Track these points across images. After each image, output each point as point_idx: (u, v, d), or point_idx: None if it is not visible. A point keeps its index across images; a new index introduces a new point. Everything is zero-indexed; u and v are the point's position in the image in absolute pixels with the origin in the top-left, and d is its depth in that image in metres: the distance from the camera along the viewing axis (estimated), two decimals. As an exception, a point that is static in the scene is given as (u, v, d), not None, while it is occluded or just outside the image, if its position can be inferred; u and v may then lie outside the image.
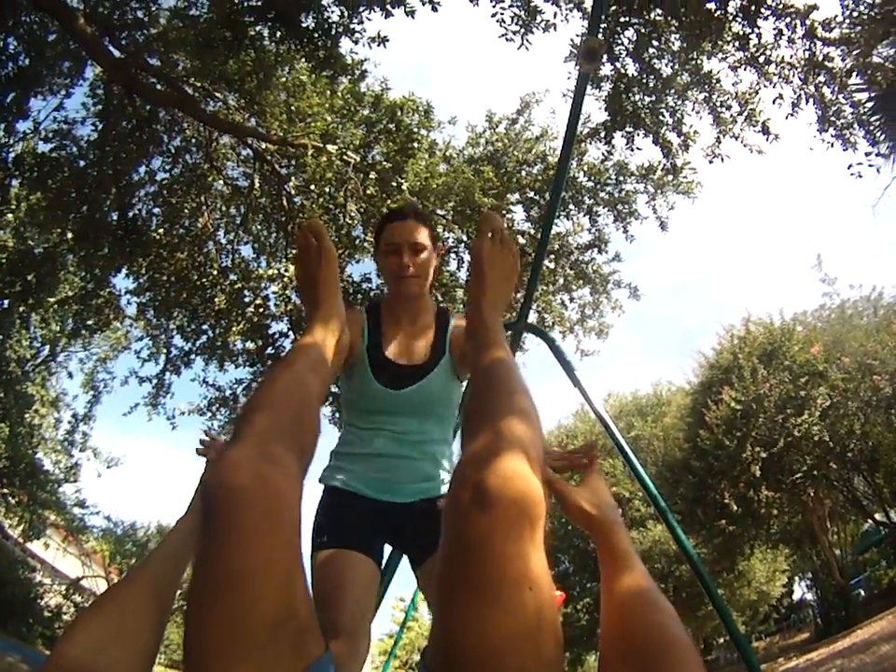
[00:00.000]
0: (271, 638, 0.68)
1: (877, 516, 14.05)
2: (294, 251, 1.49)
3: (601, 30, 5.47)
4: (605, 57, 5.42)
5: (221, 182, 7.03)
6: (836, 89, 5.89)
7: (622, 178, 6.24)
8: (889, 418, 10.78)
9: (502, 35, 5.14)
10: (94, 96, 7.44)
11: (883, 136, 8.35)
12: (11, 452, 13.38)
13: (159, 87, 6.88)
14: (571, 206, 6.35)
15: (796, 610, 21.93)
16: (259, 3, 6.00)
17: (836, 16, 5.61)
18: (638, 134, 5.57)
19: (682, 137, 5.71)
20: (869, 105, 7.91)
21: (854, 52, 6.23)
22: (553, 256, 6.43)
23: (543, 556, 0.74)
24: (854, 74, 6.17)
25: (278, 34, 5.85)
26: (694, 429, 11.92)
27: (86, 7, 6.61)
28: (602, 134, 5.59)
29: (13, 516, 13.66)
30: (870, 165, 5.91)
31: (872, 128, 6.41)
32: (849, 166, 5.86)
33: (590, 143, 5.95)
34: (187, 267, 6.78)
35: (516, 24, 5.14)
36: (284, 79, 6.24)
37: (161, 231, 7.00)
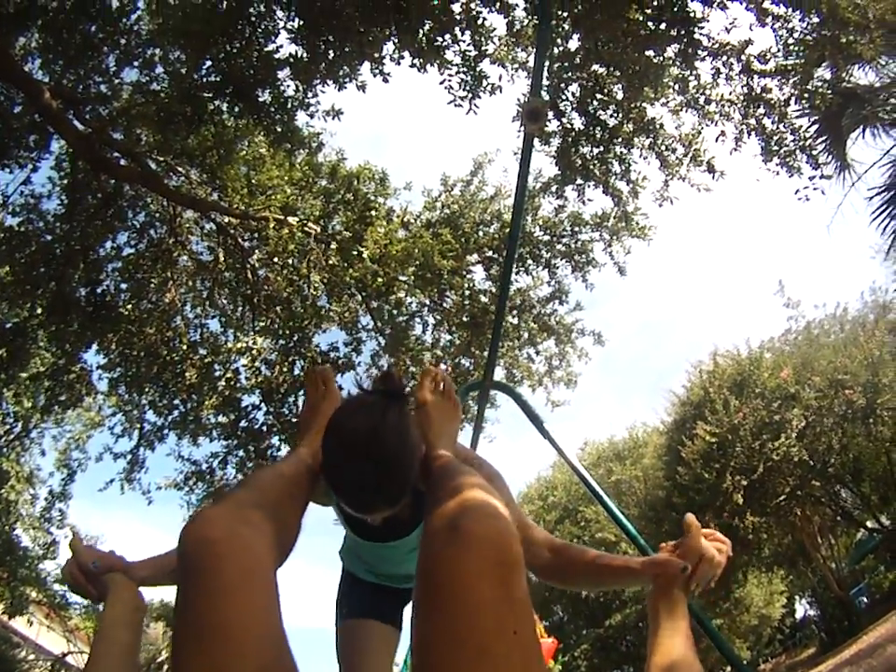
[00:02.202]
0: None
1: (869, 524, 14.13)
2: (306, 387, 1.53)
3: (544, 88, 5.75)
4: (550, 114, 5.65)
5: (186, 257, 7.10)
6: (777, 118, 6.06)
7: (577, 229, 6.42)
8: (868, 427, 10.93)
9: (451, 102, 5.36)
10: (60, 170, 7.54)
11: (829, 157, 8.71)
12: (-11, 528, 13.05)
13: (123, 162, 7.00)
14: (529, 261, 6.50)
15: (800, 628, 21.75)
16: (217, 78, 6.19)
17: (770, 47, 5.80)
18: (589, 186, 5.76)
19: (631, 185, 5.91)
20: (813, 129, 8.25)
21: (791, 80, 6.52)
22: (515, 311, 6.55)
23: (527, 599, 0.75)
24: (793, 101, 6.41)
25: (236, 108, 6.02)
26: (672, 467, 11.97)
27: (51, 80, 6.76)
28: (554, 188, 5.77)
29: None
30: (815, 188, 6.02)
31: (814, 153, 6.62)
32: (796, 192, 6.01)
33: (543, 197, 6.13)
34: (156, 342, 6.79)
35: (463, 90, 5.36)
36: (244, 153, 6.38)
37: (129, 306, 7.02)
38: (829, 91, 7.78)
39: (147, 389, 7.32)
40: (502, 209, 6.61)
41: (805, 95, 6.67)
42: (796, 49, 6.14)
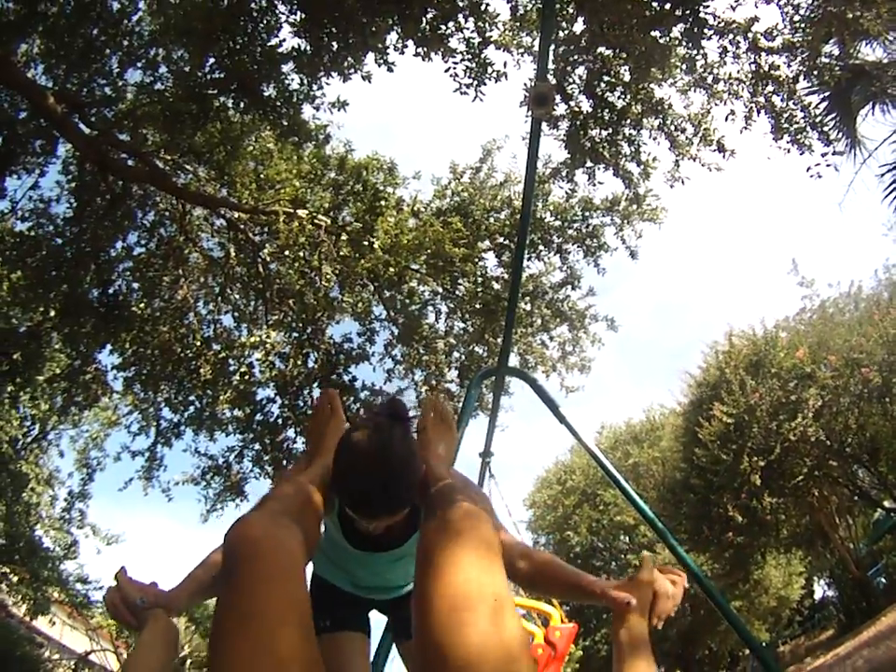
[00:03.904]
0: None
1: (886, 504, 14.02)
2: (314, 409, 1.75)
3: (551, 72, 5.70)
4: (557, 98, 5.59)
5: (197, 254, 7.12)
6: (786, 96, 5.97)
7: (587, 214, 6.38)
8: (884, 407, 10.82)
9: (456, 90, 5.32)
10: (68, 173, 7.57)
11: (840, 134, 8.57)
12: (10, 530, 13.26)
13: (130, 162, 7.02)
14: (541, 247, 6.47)
15: (819, 610, 21.67)
16: (221, 75, 6.18)
17: (777, 24, 5.72)
18: (599, 169, 5.71)
19: (641, 166, 5.85)
20: (822, 105, 8.12)
21: (799, 57, 6.41)
22: (527, 298, 6.53)
23: (504, 579, 0.97)
24: (802, 78, 6.30)
25: (242, 104, 6.02)
26: (690, 449, 11.87)
27: (55, 85, 6.77)
28: (564, 173, 5.73)
29: (16, 594, 13.49)
30: (827, 165, 5.91)
31: (825, 129, 6.50)
32: (808, 168, 5.91)
33: (553, 183, 6.09)
34: (170, 340, 6.82)
35: (469, 77, 5.32)
36: (251, 148, 6.38)
37: (141, 305, 7.06)
38: (837, 67, 7.66)
39: (162, 387, 7.38)
40: (512, 195, 6.57)
41: (814, 72, 6.57)
42: (803, 25, 6.04)
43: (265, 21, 6.08)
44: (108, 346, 7.61)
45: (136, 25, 6.95)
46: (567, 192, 6.13)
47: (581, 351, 6.93)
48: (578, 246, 6.49)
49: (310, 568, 1.87)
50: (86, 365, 7.96)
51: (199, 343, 6.77)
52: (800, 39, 6.17)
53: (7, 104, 6.88)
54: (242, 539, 0.93)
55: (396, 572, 1.75)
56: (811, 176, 6.02)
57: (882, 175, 8.82)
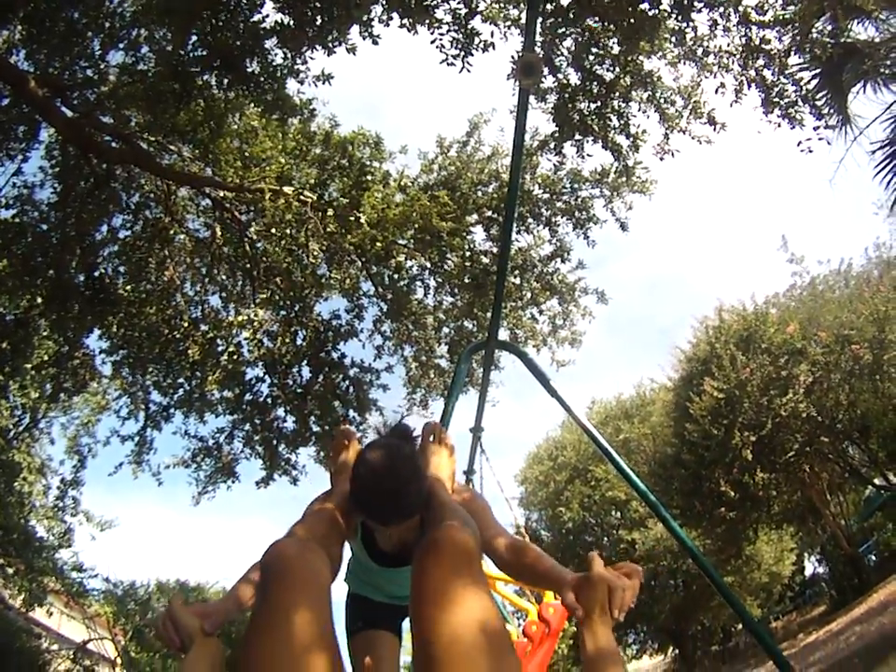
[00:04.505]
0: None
1: (877, 481, 14.18)
2: (333, 444, 2.04)
3: (538, 44, 5.62)
4: (545, 70, 5.52)
5: (183, 234, 7.04)
6: (777, 69, 5.91)
7: (576, 186, 6.32)
8: (875, 384, 10.90)
9: (443, 61, 5.24)
10: (51, 158, 7.44)
11: (831, 111, 8.52)
12: (3, 521, 13.22)
13: (113, 144, 6.90)
14: (530, 220, 6.41)
15: (810, 586, 22.01)
16: (204, 52, 6.07)
17: None
18: (587, 141, 5.65)
19: (631, 139, 5.80)
20: (813, 83, 8.06)
21: (791, 32, 6.35)
22: (517, 271, 6.49)
23: (487, 590, 1.15)
24: (793, 52, 6.24)
25: (225, 81, 5.90)
26: (681, 424, 11.95)
27: (36, 69, 6.64)
28: (552, 146, 5.67)
29: (12, 586, 13.50)
30: (819, 139, 5.89)
31: (817, 103, 6.45)
32: (799, 143, 5.87)
33: (541, 155, 6.02)
34: (157, 322, 6.76)
35: (455, 48, 5.24)
36: (235, 126, 6.28)
37: (128, 288, 6.99)
38: (829, 44, 7.60)
39: (150, 369, 7.32)
40: (500, 168, 6.49)
41: (806, 46, 6.51)
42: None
43: (247, -2, 5.97)
44: (96, 331, 7.55)
45: (118, 7, 6.80)
46: (555, 165, 6.08)
47: (572, 325, 6.89)
48: (567, 219, 6.42)
49: (345, 588, 2.21)
50: (74, 350, 7.89)
51: (186, 325, 6.71)
52: (792, 14, 6.11)
53: None
54: (276, 558, 1.12)
55: None
56: (802, 151, 5.99)
57: (873, 152, 8.76)
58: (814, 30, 6.96)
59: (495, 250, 6.30)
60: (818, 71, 7.86)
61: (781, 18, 6.00)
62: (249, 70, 5.73)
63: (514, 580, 1.95)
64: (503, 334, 6.31)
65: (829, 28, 7.54)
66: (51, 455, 14.79)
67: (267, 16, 5.90)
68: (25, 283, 7.34)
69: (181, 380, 7.03)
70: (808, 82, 7.08)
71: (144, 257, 6.87)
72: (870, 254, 12.74)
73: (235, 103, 5.81)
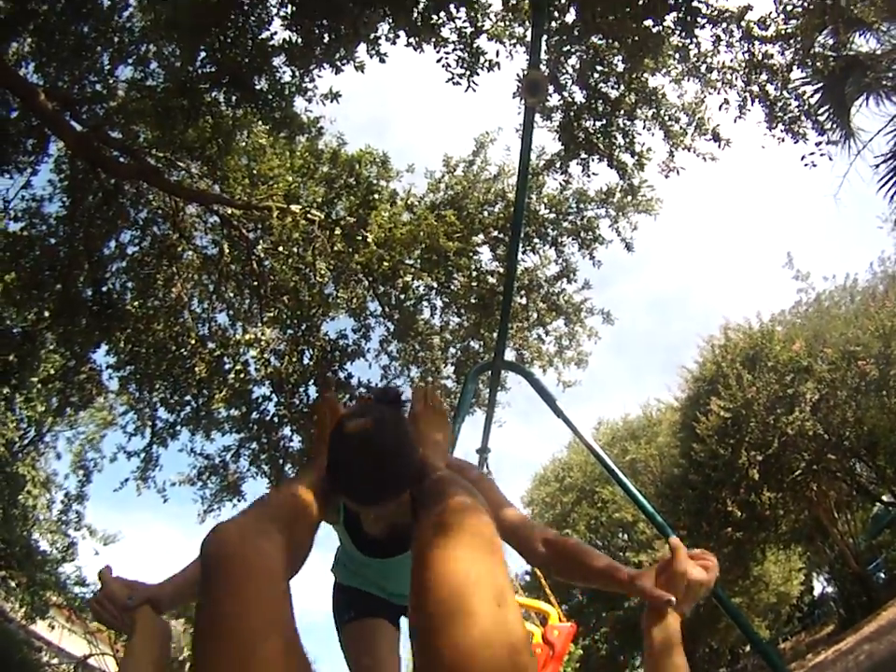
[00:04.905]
0: None
1: (885, 498, 14.02)
2: (315, 417, 1.81)
3: (543, 62, 5.66)
4: (550, 88, 5.56)
5: (191, 251, 7.08)
6: (780, 85, 5.97)
7: (582, 206, 6.35)
8: (882, 400, 10.82)
9: (449, 80, 5.29)
10: (60, 172, 7.50)
11: (834, 126, 8.52)
12: (6, 534, 13.22)
13: (122, 159, 6.97)
14: (536, 240, 6.44)
15: (819, 606, 21.67)
16: (213, 69, 6.14)
17: (770, 13, 5.71)
18: (593, 160, 5.68)
19: (636, 157, 5.82)
20: (816, 97, 8.08)
21: (793, 46, 6.37)
22: (523, 292, 6.51)
23: (504, 571, 0.89)
24: (796, 67, 6.25)
25: (233, 98, 5.98)
26: (688, 444, 11.91)
27: (46, 83, 6.72)
28: (558, 164, 5.70)
29: (14, 599, 13.47)
30: (822, 154, 5.93)
31: (819, 118, 6.46)
32: (802, 158, 5.91)
33: (547, 175, 6.06)
34: (165, 338, 6.78)
35: (461, 67, 5.30)
36: (243, 143, 6.34)
37: (136, 303, 7.01)
38: (831, 57, 7.62)
39: (157, 386, 7.32)
40: (506, 188, 6.53)
41: (808, 61, 6.53)
42: (796, 13, 6.00)
43: (256, 15, 6.05)
44: (103, 346, 7.56)
45: (127, 21, 6.88)
46: (561, 184, 6.12)
47: (578, 345, 6.90)
48: (573, 239, 6.44)
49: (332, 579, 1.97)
50: (81, 365, 7.91)
51: (194, 342, 6.72)
52: (794, 28, 6.14)
53: None
54: (216, 546, 0.89)
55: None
56: (806, 165, 6.02)
57: (877, 165, 8.75)
58: (816, 44, 7.00)
59: (501, 270, 6.31)
60: (820, 85, 7.88)
61: (783, 32, 6.03)
62: (258, 87, 5.81)
63: (554, 576, 1.55)
64: (509, 354, 6.32)
65: (830, 41, 7.58)
66: (56, 469, 14.83)
67: (275, 33, 5.99)
68: (33, 296, 7.38)
69: (188, 397, 7.03)
70: (811, 96, 7.12)
71: (152, 273, 6.91)
72: (875, 269, 12.72)
73: (243, 120, 5.87)
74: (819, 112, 8.19)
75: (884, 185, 8.83)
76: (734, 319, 12.49)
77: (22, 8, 6.22)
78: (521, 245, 5.08)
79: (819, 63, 6.80)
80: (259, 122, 5.69)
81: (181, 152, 6.44)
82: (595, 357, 6.87)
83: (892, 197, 8.87)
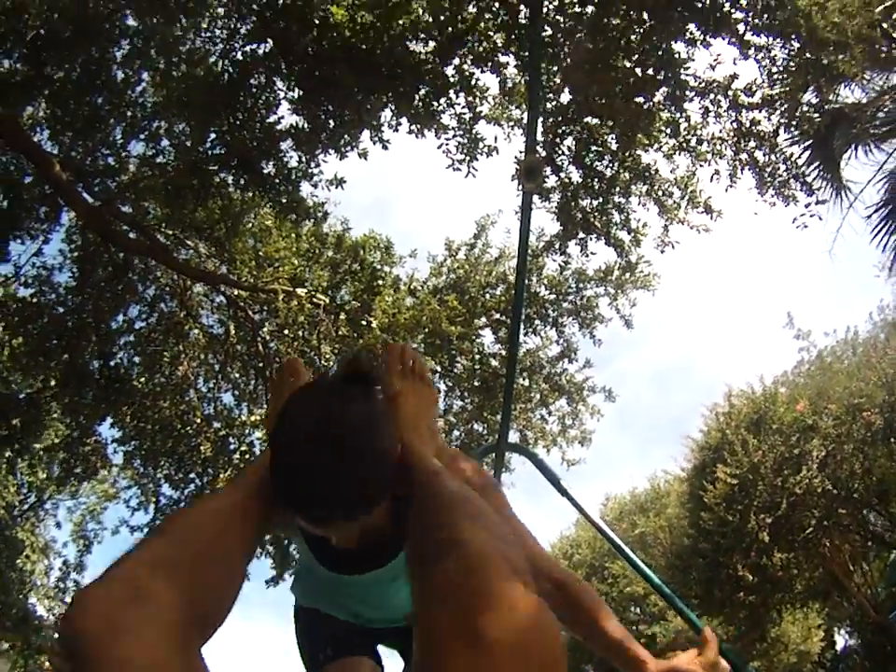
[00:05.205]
0: None
1: (901, 543, 13.71)
2: (271, 388, 1.32)
3: (540, 144, 5.86)
4: (547, 170, 5.74)
5: (197, 330, 7.18)
6: (768, 150, 6.07)
7: (581, 285, 6.49)
8: (889, 448, 10.75)
9: (449, 166, 5.48)
10: (71, 242, 7.63)
11: (824, 182, 8.67)
12: (3, 596, 13.03)
13: (132, 234, 7.12)
14: (537, 321, 6.55)
15: (843, 660, 20.93)
16: (222, 151, 6.36)
17: (756, 79, 5.84)
18: (591, 239, 5.82)
19: (632, 234, 5.96)
20: (805, 155, 8.24)
21: (779, 109, 6.55)
22: (525, 373, 6.58)
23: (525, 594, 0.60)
24: (783, 130, 6.38)
25: (242, 181, 6.18)
26: (696, 513, 11.83)
27: (60, 152, 6.88)
28: (557, 246, 5.84)
29: (7, 660, 13.21)
30: (811, 215, 6.02)
31: (807, 179, 6.52)
32: (794, 220, 6.01)
33: (547, 256, 6.20)
34: (170, 416, 6.81)
35: (461, 153, 5.49)
36: (250, 225, 6.51)
37: (142, 379, 7.07)
38: (816, 115, 7.83)
39: (162, 462, 7.31)
40: (507, 270, 6.70)
41: (794, 122, 6.72)
42: (780, 77, 6.20)
43: (264, 98, 6.31)
44: (108, 419, 7.58)
45: (140, 96, 6.99)
46: (560, 265, 6.26)
47: (581, 423, 6.96)
48: (573, 319, 6.57)
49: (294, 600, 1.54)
50: (85, 436, 7.91)
51: (199, 421, 6.75)
52: (779, 91, 6.35)
53: (13, 166, 6.85)
54: (74, 633, 0.62)
55: (393, 598, 1.27)
56: (797, 227, 6.09)
57: (869, 216, 8.81)
58: (801, 103, 7.19)
59: (503, 353, 6.39)
60: (808, 143, 8.07)
61: (769, 97, 6.22)
62: (265, 171, 6.01)
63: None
64: (513, 436, 6.32)
65: (815, 99, 7.79)
66: (56, 536, 14.68)
67: (282, 117, 6.24)
68: (39, 363, 7.43)
69: (192, 475, 7.01)
70: (799, 157, 7.28)
71: (159, 350, 6.99)
72: (875, 318, 12.76)
73: (251, 202, 6.04)
74: (810, 170, 8.37)
75: (877, 234, 8.93)
76: (737, 385, 12.51)
77: (39, 73, 6.36)
78: (522, 326, 5.15)
79: (805, 125, 7.00)
80: (267, 205, 5.85)
81: (190, 231, 6.61)
82: (599, 433, 6.95)
83: (885, 245, 8.98)
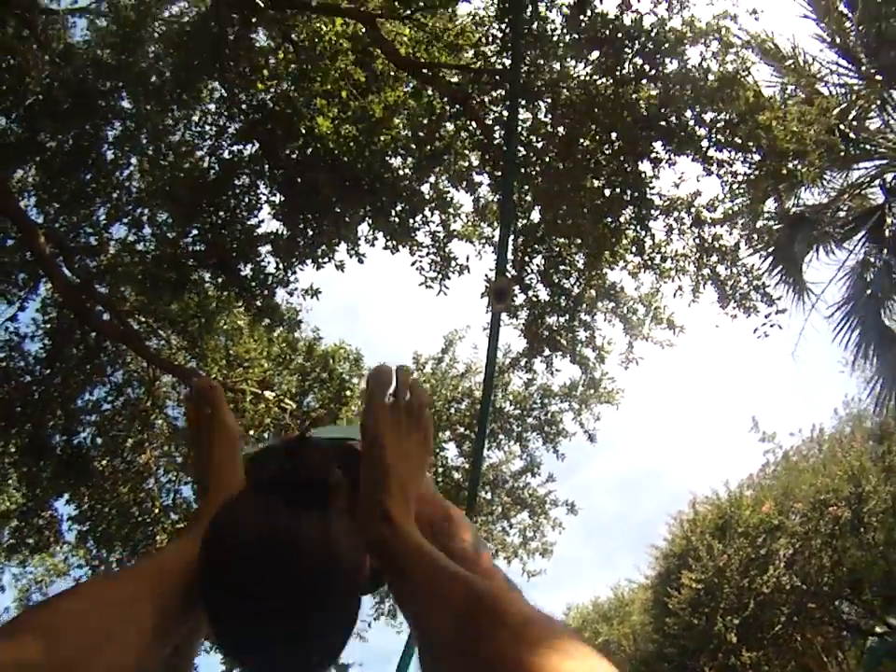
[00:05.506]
0: None
1: (878, 629, 13.54)
2: (186, 421, 1.03)
3: (510, 263, 6.06)
4: (516, 289, 5.93)
5: (162, 420, 7.16)
6: (730, 263, 6.20)
7: (546, 401, 6.64)
8: (860, 538, 10.76)
9: (422, 283, 5.65)
10: (45, 314, 7.57)
11: (786, 288, 8.89)
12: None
13: (106, 316, 7.13)
14: (501, 436, 6.66)
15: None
16: (202, 248, 6.47)
17: (717, 195, 6.02)
18: (557, 356, 5.97)
19: (597, 351, 6.12)
20: (767, 262, 8.48)
21: (741, 222, 6.79)
22: (488, 486, 6.63)
23: None
24: (743, 244, 6.48)
25: (219, 280, 6.27)
26: (661, 619, 11.78)
27: (45, 221, 6.84)
28: (523, 363, 5.97)
29: None
30: (771, 325, 6.12)
31: (768, 289, 6.57)
32: (755, 330, 6.13)
33: (512, 372, 6.34)
34: (129, 501, 6.69)
35: (433, 270, 5.67)
36: (223, 323, 6.58)
37: (104, 462, 6.96)
38: (776, 224, 8.12)
39: (116, 547, 7.13)
40: (473, 385, 6.84)
41: (754, 235, 6.98)
42: (741, 191, 6.44)
43: (247, 200, 6.49)
44: (66, 495, 7.41)
45: (126, 180, 7.06)
46: (525, 381, 6.40)
47: (543, 536, 6.99)
48: (537, 434, 6.68)
49: None
50: (41, 509, 7.70)
51: (157, 510, 6.64)
52: (739, 205, 6.60)
53: None
54: None
55: None
56: (758, 337, 6.16)
57: (831, 314, 8.82)
58: (762, 214, 7.46)
59: (467, 466, 6.45)
60: (771, 250, 8.34)
61: (730, 211, 6.46)
62: (243, 273, 6.11)
63: None
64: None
65: (774, 206, 8.08)
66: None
67: (262, 221, 6.40)
68: (1, 427, 7.27)
69: (145, 564, 6.81)
70: (760, 265, 7.47)
71: (122, 434, 6.93)
72: (840, 413, 12.96)
73: (227, 302, 6.13)
74: (772, 276, 8.60)
75: (839, 332, 9.09)
76: (702, 492, 12.62)
77: (33, 138, 6.43)
78: (486, 441, 5.23)
79: (765, 236, 7.26)
80: (242, 307, 5.94)
81: (163, 322, 6.66)
82: (562, 543, 6.98)
83: (848, 342, 9.18)
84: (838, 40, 8.03)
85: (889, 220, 8.80)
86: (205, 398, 0.93)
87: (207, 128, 6.76)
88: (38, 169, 7.07)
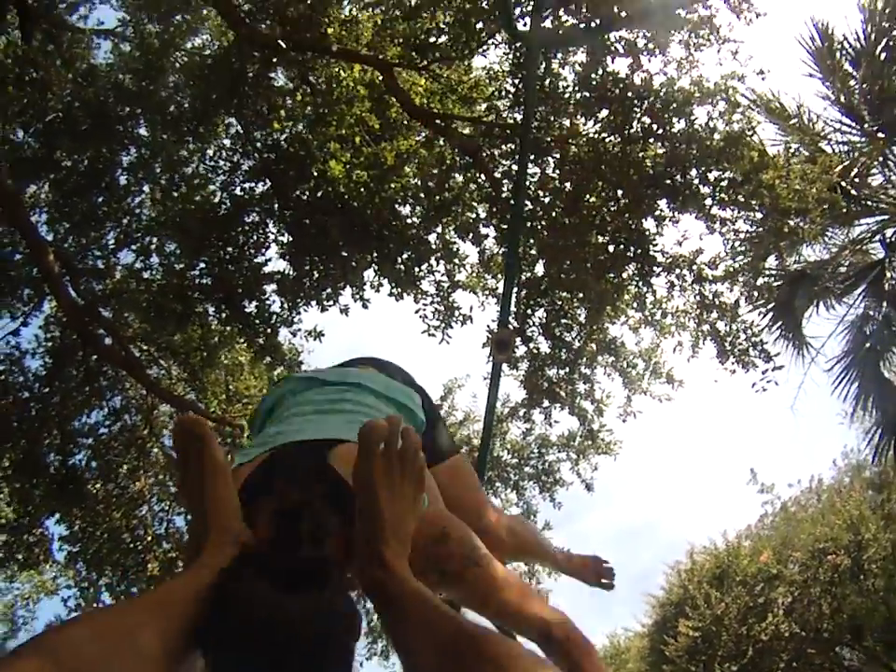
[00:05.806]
0: None
1: (882, 674, 13.35)
2: (176, 461, 1.02)
3: (512, 315, 6.11)
4: (518, 341, 5.97)
5: (158, 449, 7.18)
6: (729, 320, 6.19)
7: (544, 451, 6.66)
8: (859, 584, 10.67)
9: (425, 331, 5.70)
10: (48, 332, 7.62)
11: (786, 343, 8.89)
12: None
13: (108, 341, 7.17)
14: (498, 484, 6.67)
15: None
16: (209, 282, 6.52)
17: (719, 252, 6.03)
18: (555, 407, 6.00)
19: (595, 404, 6.14)
20: (768, 317, 8.51)
21: (741, 280, 6.80)
22: None
23: None
24: (743, 300, 6.41)
25: (224, 315, 6.30)
26: (657, 667, 11.73)
27: (55, 239, 6.87)
28: (521, 413, 6.00)
29: None
30: (769, 381, 6.08)
31: (766, 346, 6.56)
32: (753, 384, 6.08)
33: (511, 422, 6.37)
34: (121, 527, 6.69)
35: (437, 319, 5.72)
36: (223, 358, 6.62)
37: (98, 485, 6.97)
38: (777, 282, 8.15)
39: (106, 571, 7.11)
40: (472, 434, 6.87)
41: (755, 293, 6.99)
42: (743, 248, 6.46)
43: (255, 237, 6.53)
44: (58, 516, 7.41)
45: (137, 207, 7.11)
46: (524, 431, 6.43)
47: (538, 583, 6.92)
48: (534, 483, 6.69)
49: None
50: (32, 526, 7.68)
51: (149, 538, 6.64)
52: (741, 263, 6.62)
53: (6, 239, 6.87)
54: None
55: None
56: (756, 392, 6.13)
57: (830, 368, 8.89)
58: (763, 272, 7.47)
59: None
60: (770, 307, 8.39)
61: (732, 269, 6.48)
62: (247, 310, 6.16)
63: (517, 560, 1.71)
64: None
65: (776, 264, 8.11)
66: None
67: (269, 260, 6.45)
68: None
69: (135, 590, 6.81)
70: (760, 322, 7.48)
71: (118, 460, 6.94)
72: (839, 464, 12.93)
73: (230, 338, 6.17)
74: (772, 331, 8.65)
75: (838, 385, 9.13)
76: (699, 542, 12.58)
77: (49, 155, 6.51)
78: (484, 489, 5.24)
79: (766, 294, 7.27)
80: (244, 343, 5.98)
81: (165, 352, 6.70)
82: (558, 591, 6.91)
83: (847, 395, 9.21)
84: (842, 98, 8.13)
85: (888, 274, 8.86)
86: (193, 434, 0.92)
87: (221, 163, 6.83)
88: (52, 186, 7.13)
